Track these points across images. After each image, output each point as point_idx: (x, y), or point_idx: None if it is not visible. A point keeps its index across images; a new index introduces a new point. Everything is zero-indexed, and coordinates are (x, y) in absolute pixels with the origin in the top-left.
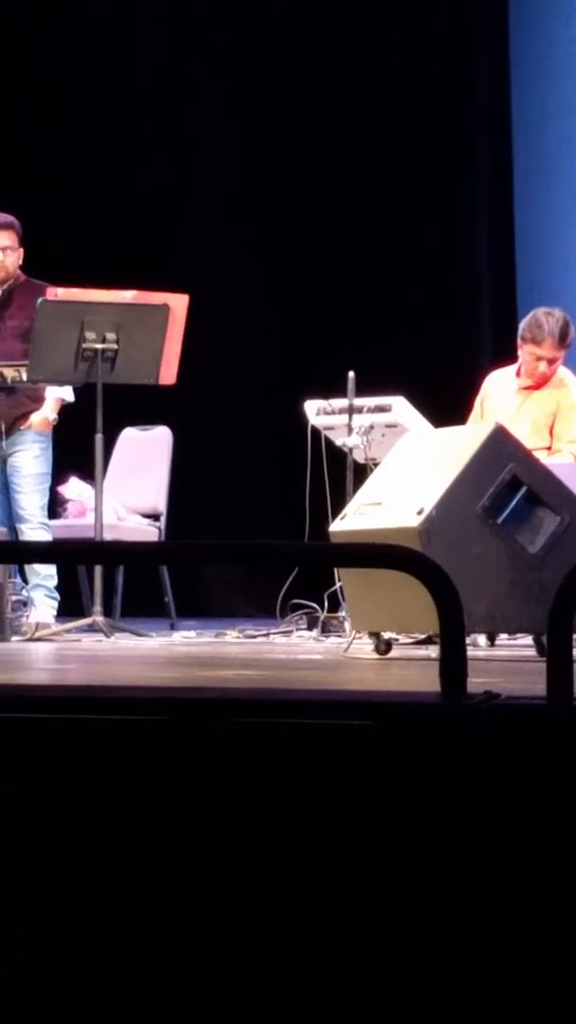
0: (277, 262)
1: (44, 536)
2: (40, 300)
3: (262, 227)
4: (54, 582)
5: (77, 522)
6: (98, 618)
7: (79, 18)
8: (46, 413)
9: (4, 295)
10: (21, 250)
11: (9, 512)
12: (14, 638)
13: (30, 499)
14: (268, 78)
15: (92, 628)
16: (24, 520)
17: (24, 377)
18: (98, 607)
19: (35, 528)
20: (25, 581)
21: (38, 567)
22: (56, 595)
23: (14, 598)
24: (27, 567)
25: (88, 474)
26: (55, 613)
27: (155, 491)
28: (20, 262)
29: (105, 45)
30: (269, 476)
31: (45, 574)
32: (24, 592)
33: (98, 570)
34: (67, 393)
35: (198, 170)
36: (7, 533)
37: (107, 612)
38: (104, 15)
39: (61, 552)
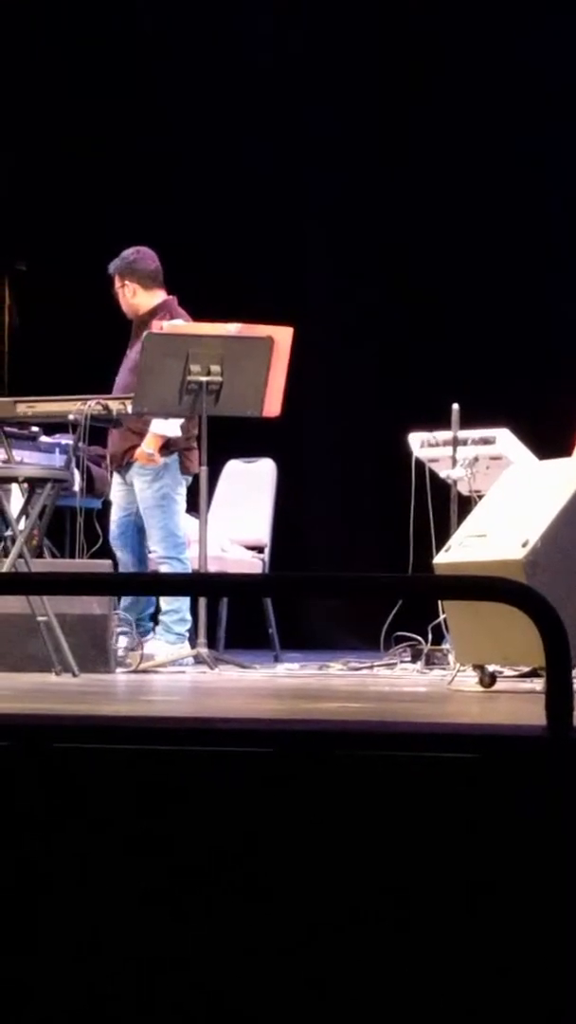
0: (381, 294)
1: (163, 570)
2: (145, 333)
3: (367, 259)
4: (173, 617)
5: None
6: (202, 650)
7: (185, 56)
8: (144, 448)
9: (134, 329)
10: (135, 286)
11: (132, 542)
12: (119, 670)
13: (149, 532)
14: (372, 106)
15: (197, 660)
16: (125, 547)
17: (129, 409)
18: (202, 639)
19: (158, 564)
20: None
21: (160, 601)
22: (177, 631)
23: (118, 630)
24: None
25: (192, 506)
26: (175, 649)
27: (259, 523)
28: (136, 297)
29: (208, 77)
30: (373, 508)
31: (166, 609)
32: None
33: (202, 602)
34: (168, 429)
35: (303, 202)
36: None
37: (211, 644)
38: (209, 46)
39: (164, 584)
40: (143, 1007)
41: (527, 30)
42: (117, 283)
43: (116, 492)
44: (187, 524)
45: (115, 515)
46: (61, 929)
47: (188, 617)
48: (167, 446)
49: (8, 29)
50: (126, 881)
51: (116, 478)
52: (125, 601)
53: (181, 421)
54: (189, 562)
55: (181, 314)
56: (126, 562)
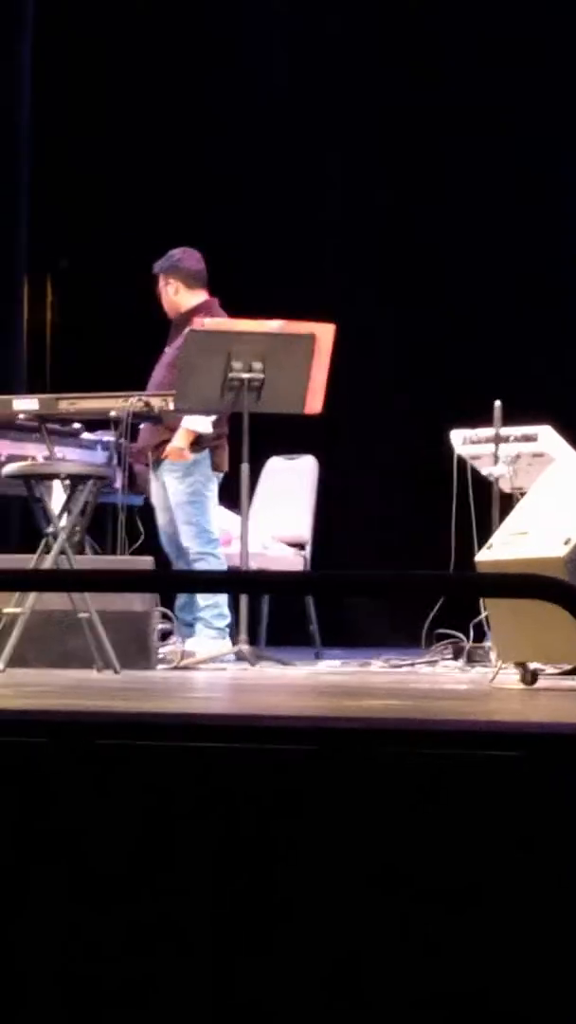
0: (423, 290)
1: (203, 567)
2: (187, 330)
3: (408, 255)
4: (213, 612)
5: (223, 551)
6: (244, 647)
7: (231, 62)
8: (175, 443)
9: (173, 328)
10: (178, 284)
11: (170, 538)
12: (160, 667)
13: (181, 529)
14: (413, 110)
15: (238, 657)
16: (179, 549)
17: (171, 406)
18: (244, 636)
19: (193, 560)
20: (172, 611)
21: (198, 597)
22: (216, 626)
23: (160, 627)
24: (180, 595)
25: (234, 503)
26: (216, 644)
27: (300, 520)
28: (179, 295)
29: (246, 71)
30: (414, 505)
31: (204, 605)
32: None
33: (244, 599)
34: (200, 425)
35: (343, 199)
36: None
37: (252, 641)
38: (256, 50)
39: (206, 581)
40: (189, 1010)
41: None
42: (161, 282)
43: (155, 493)
44: (228, 520)
45: (160, 519)
46: (104, 927)
47: (227, 612)
48: (197, 442)
49: (52, 26)
50: (169, 878)
51: (152, 478)
52: (179, 603)
53: (213, 417)
54: (223, 557)
55: (221, 315)
56: (180, 566)
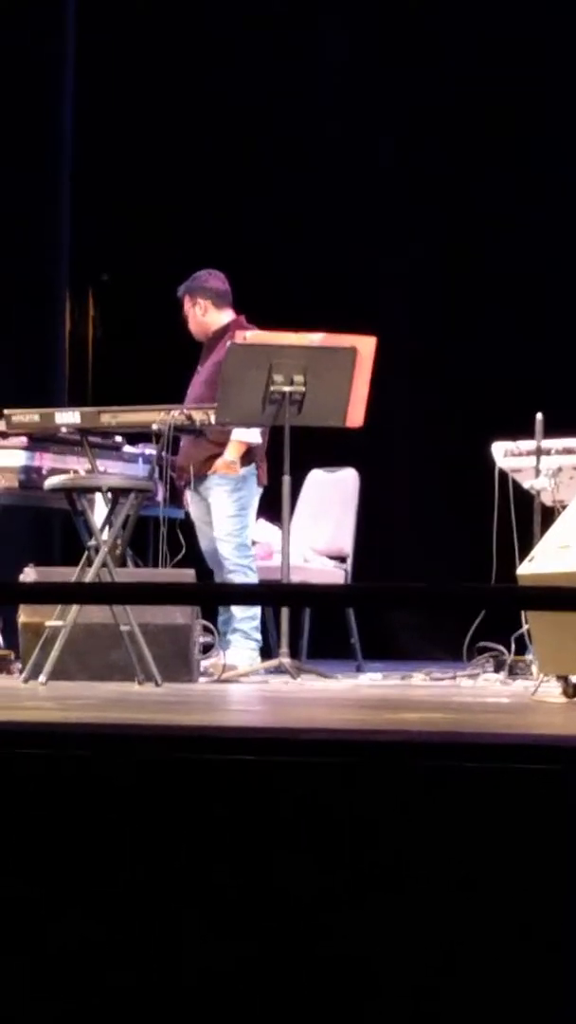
0: (464, 303)
1: (240, 579)
2: (228, 344)
3: (449, 267)
4: (252, 624)
5: (264, 563)
6: (285, 660)
7: (259, 66)
8: (227, 456)
9: (205, 348)
10: (207, 304)
11: (215, 554)
12: (201, 679)
13: (222, 543)
14: (456, 119)
15: (279, 670)
16: (220, 564)
17: (212, 420)
18: (285, 649)
19: (230, 571)
20: (215, 624)
21: (235, 609)
22: (255, 637)
23: (201, 640)
24: (222, 609)
25: (275, 516)
26: (255, 655)
27: (342, 533)
28: (207, 315)
29: (287, 86)
30: (456, 518)
31: (242, 616)
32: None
33: (285, 612)
34: (250, 435)
35: (385, 210)
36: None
37: (294, 654)
38: (298, 64)
39: (248, 594)
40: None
41: None
42: (187, 304)
43: (195, 509)
44: (269, 533)
45: (202, 534)
46: (144, 939)
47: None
48: (246, 456)
49: (94, 40)
50: (210, 890)
51: (191, 495)
52: (222, 617)
53: (261, 428)
54: (257, 570)
55: (252, 330)
56: (222, 579)
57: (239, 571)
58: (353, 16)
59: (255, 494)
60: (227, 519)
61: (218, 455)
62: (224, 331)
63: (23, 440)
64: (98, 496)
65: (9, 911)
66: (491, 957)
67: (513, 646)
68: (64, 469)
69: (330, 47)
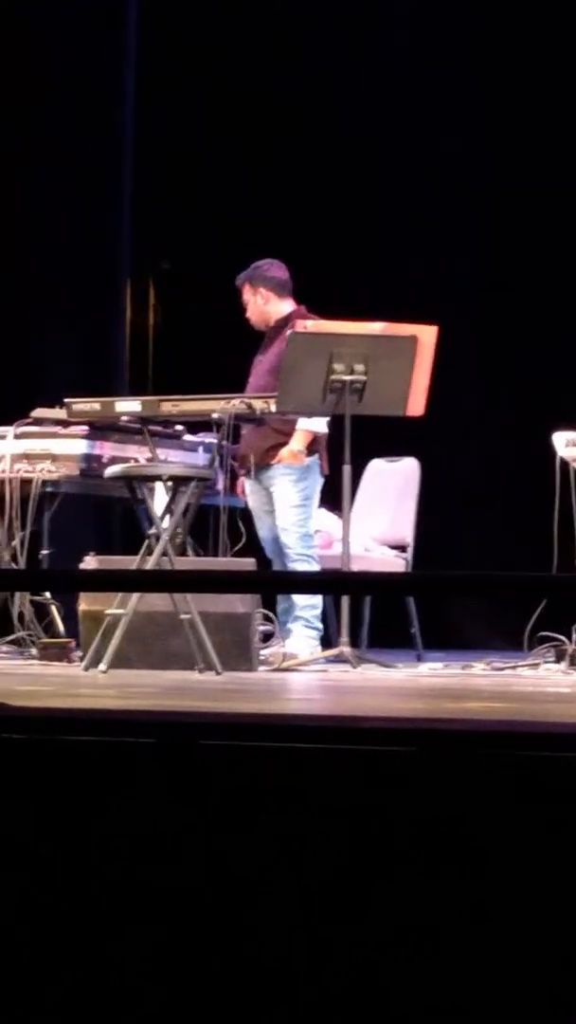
0: (526, 290)
1: (303, 568)
2: (289, 332)
3: (510, 257)
4: (313, 612)
5: (324, 553)
6: (345, 649)
7: (330, 67)
8: (294, 445)
9: (266, 338)
10: (269, 294)
11: (274, 543)
12: (262, 668)
13: (286, 532)
14: (523, 107)
15: (339, 659)
16: (283, 553)
17: (273, 408)
18: (345, 638)
19: (294, 560)
20: (274, 613)
21: (296, 597)
22: (316, 626)
23: (261, 628)
24: (283, 598)
25: (336, 505)
26: (316, 644)
27: (402, 522)
28: (268, 304)
29: (351, 85)
30: (516, 508)
31: (303, 605)
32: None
33: (345, 601)
34: (317, 425)
35: (446, 201)
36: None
37: (354, 643)
38: (357, 55)
39: (308, 582)
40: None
41: None
42: (247, 292)
43: (255, 498)
44: (329, 523)
45: (262, 523)
46: (202, 931)
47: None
48: (310, 445)
49: (155, 30)
50: (271, 879)
51: (251, 484)
52: (281, 607)
53: (327, 417)
54: (318, 559)
55: (313, 319)
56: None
57: (302, 560)
58: (417, 12)
59: (318, 484)
60: (291, 509)
61: (282, 444)
62: (285, 320)
63: (84, 429)
64: (158, 485)
65: (71, 899)
66: (558, 945)
67: (574, 636)
68: (125, 458)
69: (395, 42)
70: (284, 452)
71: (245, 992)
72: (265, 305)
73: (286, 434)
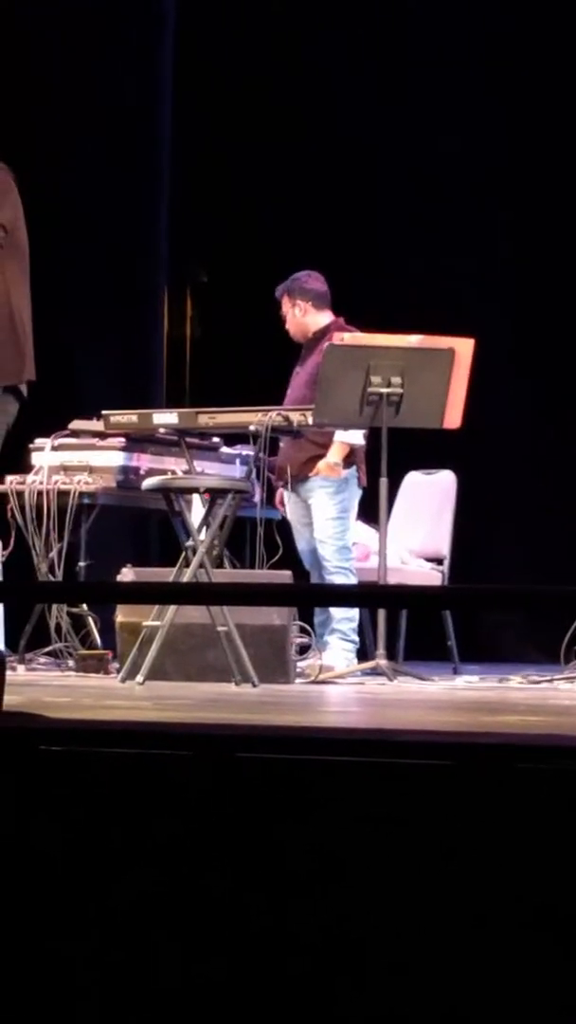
0: (563, 301)
1: (341, 580)
2: (327, 345)
3: (548, 268)
4: (350, 625)
5: (361, 565)
6: (381, 661)
7: (369, 76)
8: (331, 458)
9: (304, 349)
10: (307, 306)
11: (312, 555)
12: (298, 681)
13: (324, 545)
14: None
15: (375, 671)
16: (321, 565)
17: (310, 421)
18: (381, 650)
19: (331, 573)
20: (311, 626)
21: (333, 610)
22: (352, 638)
23: (298, 641)
24: (319, 610)
25: (372, 518)
26: (352, 657)
27: (439, 535)
28: (307, 316)
29: (382, 87)
30: (553, 521)
31: (340, 617)
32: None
33: (382, 614)
34: (354, 437)
35: (484, 211)
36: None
37: (390, 656)
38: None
39: (345, 595)
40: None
41: None
42: (286, 304)
43: (293, 510)
44: (366, 535)
45: (299, 535)
46: (237, 942)
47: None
48: (348, 458)
49: (193, 39)
50: (307, 892)
51: (289, 496)
52: (319, 619)
53: (365, 430)
54: (356, 572)
55: (352, 332)
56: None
57: (339, 573)
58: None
59: (356, 496)
60: (329, 521)
61: (319, 456)
62: (324, 332)
63: (121, 441)
64: (195, 497)
65: (106, 911)
66: None
67: None
68: (162, 470)
69: (426, 52)
70: (321, 464)
71: (284, 1002)
72: (303, 317)
73: (324, 446)
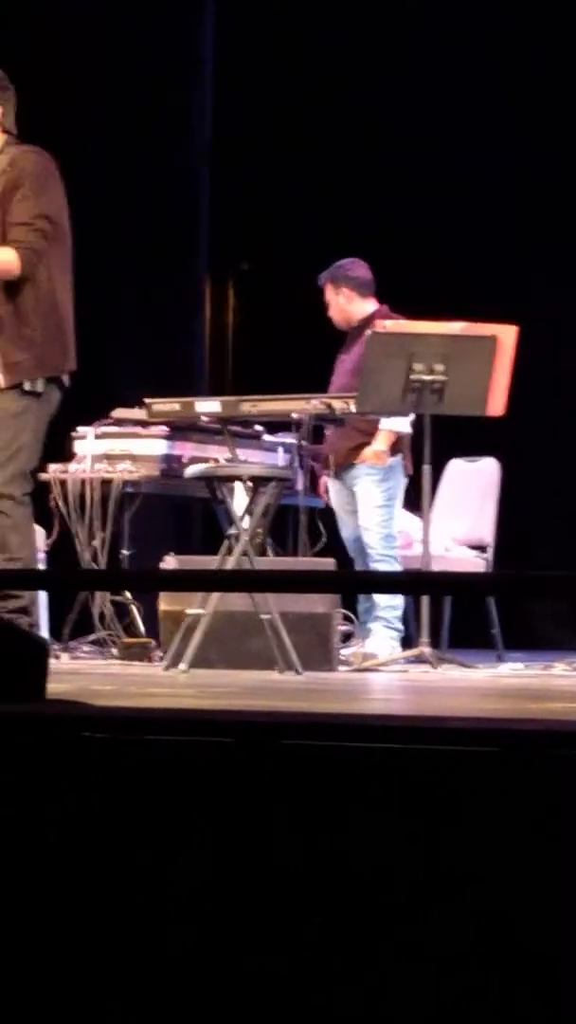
0: None
1: (385, 568)
2: (369, 333)
3: None
4: (394, 613)
5: (404, 553)
6: (425, 649)
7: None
8: (377, 446)
9: (349, 337)
10: (352, 293)
11: (356, 543)
12: (342, 668)
13: (369, 532)
14: None
15: (419, 659)
16: (365, 553)
17: (352, 408)
18: (425, 638)
19: (376, 561)
20: (354, 613)
21: (377, 598)
22: (397, 626)
23: (341, 628)
24: (363, 598)
25: (415, 505)
26: (396, 644)
27: (482, 522)
28: (351, 304)
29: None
30: None
31: (384, 605)
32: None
33: (425, 601)
34: (400, 425)
35: (528, 198)
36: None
37: (434, 643)
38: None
39: (388, 582)
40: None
41: None
42: (330, 292)
43: (337, 498)
44: (409, 523)
45: (344, 523)
46: (288, 931)
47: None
48: (393, 446)
49: (232, 33)
50: (352, 880)
51: (333, 484)
52: (362, 607)
53: (411, 417)
54: (400, 560)
55: (396, 320)
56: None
57: (384, 561)
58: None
59: (401, 484)
60: (374, 509)
61: (365, 444)
62: (368, 320)
63: (164, 429)
64: (238, 485)
65: (152, 898)
66: None
67: None
68: (204, 458)
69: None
70: (367, 452)
71: (334, 994)
72: (348, 305)
73: (369, 434)
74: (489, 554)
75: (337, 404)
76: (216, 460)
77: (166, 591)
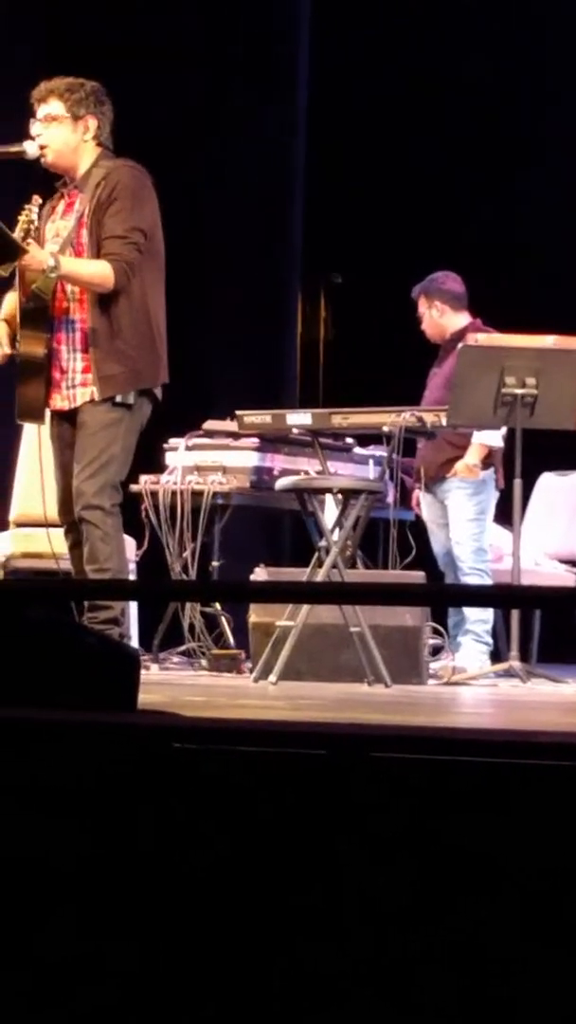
0: None
1: (476, 582)
2: (460, 346)
3: None
4: (484, 627)
5: (494, 567)
6: (515, 663)
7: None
8: (469, 459)
9: (441, 350)
10: (445, 307)
11: (448, 557)
12: (431, 682)
13: (460, 546)
14: None
15: (509, 673)
16: (456, 566)
17: (444, 422)
18: (515, 652)
19: (467, 574)
20: (444, 627)
21: (467, 611)
22: (486, 640)
23: (431, 642)
24: (453, 611)
25: (506, 519)
26: (486, 658)
27: (573, 537)
28: (444, 317)
29: (526, 78)
30: None
31: (474, 619)
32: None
33: (515, 615)
34: (492, 438)
35: None
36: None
37: (524, 657)
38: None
39: (478, 595)
40: None
41: None
42: (423, 305)
43: (429, 511)
44: (499, 537)
45: (435, 536)
46: (366, 945)
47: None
48: (485, 459)
49: (326, 43)
50: (449, 895)
51: (425, 497)
52: (452, 620)
53: (503, 431)
54: (491, 574)
55: (489, 333)
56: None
57: (475, 574)
58: None
59: (493, 498)
60: (466, 523)
61: (457, 458)
62: (461, 333)
63: (255, 441)
64: (328, 497)
65: (240, 911)
66: None
67: None
68: (295, 470)
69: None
70: (459, 466)
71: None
72: (440, 318)
73: (461, 448)
74: None
75: (429, 417)
76: (306, 472)
77: (256, 603)
